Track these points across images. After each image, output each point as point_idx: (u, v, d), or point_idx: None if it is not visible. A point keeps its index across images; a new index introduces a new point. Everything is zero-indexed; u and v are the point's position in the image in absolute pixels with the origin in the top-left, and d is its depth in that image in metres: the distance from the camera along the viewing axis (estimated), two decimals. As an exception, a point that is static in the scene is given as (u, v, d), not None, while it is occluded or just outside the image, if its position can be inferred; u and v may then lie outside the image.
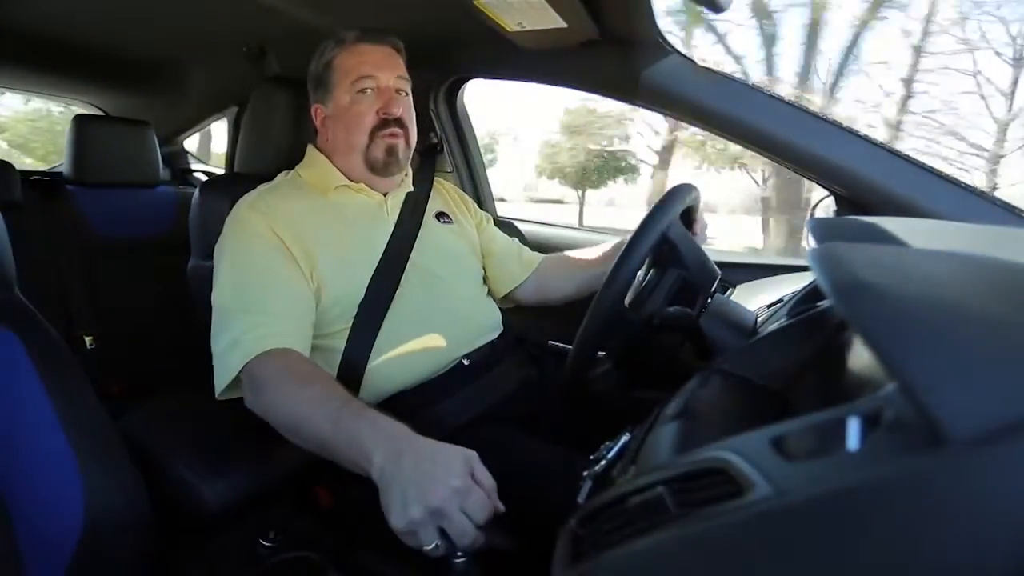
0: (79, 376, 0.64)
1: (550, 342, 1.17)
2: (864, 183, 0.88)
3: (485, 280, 1.05)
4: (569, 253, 1.10)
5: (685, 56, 0.97)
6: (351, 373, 0.81)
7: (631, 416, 0.59)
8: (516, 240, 1.14)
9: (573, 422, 0.84)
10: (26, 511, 0.56)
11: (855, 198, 0.90)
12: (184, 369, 0.75)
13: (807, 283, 0.68)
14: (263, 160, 1.02)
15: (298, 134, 1.01)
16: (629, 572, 0.27)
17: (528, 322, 1.14)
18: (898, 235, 0.44)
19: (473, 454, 0.57)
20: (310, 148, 0.96)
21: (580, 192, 12.92)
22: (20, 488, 0.57)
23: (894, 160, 0.87)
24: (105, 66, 1.67)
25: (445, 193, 1.09)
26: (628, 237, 0.69)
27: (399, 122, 0.90)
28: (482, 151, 1.51)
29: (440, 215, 1.02)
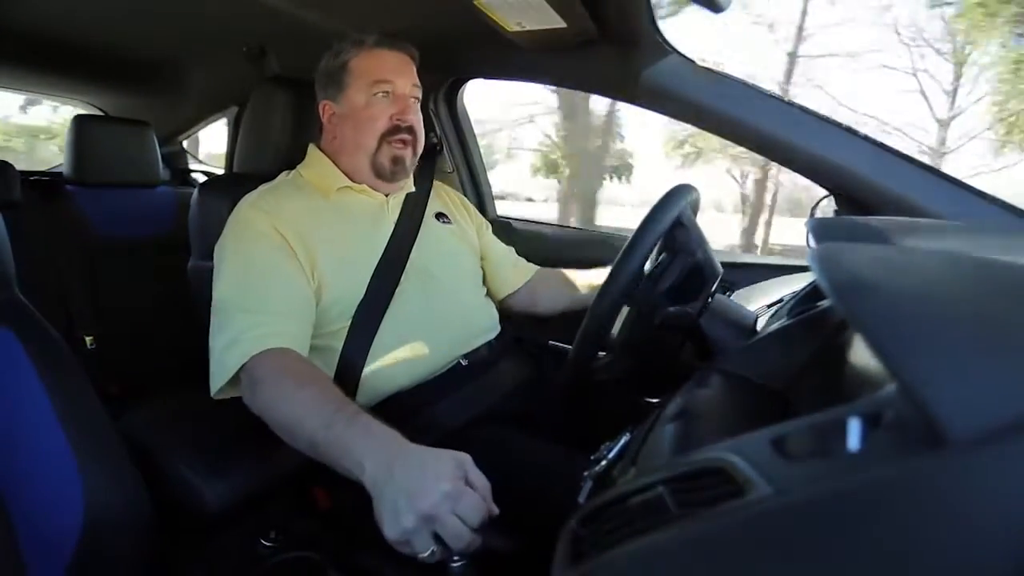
0: (79, 376, 0.64)
1: (550, 342, 1.17)
2: (864, 183, 0.88)
3: (484, 281, 1.06)
4: (565, 271, 1.10)
5: (685, 56, 0.97)
6: (349, 373, 0.81)
7: (631, 416, 0.59)
8: (512, 250, 1.14)
9: (573, 422, 0.84)
10: (26, 511, 0.56)
11: (855, 198, 0.90)
12: (184, 369, 0.75)
13: (807, 283, 0.68)
14: (263, 160, 1.02)
15: (298, 134, 1.01)
16: (629, 572, 0.27)
17: (527, 322, 1.14)
18: (898, 235, 0.44)
19: (466, 457, 0.57)
20: (312, 148, 0.96)
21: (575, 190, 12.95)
22: (20, 488, 0.57)
23: (894, 160, 0.87)
24: (105, 66, 1.67)
25: (445, 195, 1.09)
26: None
27: (410, 130, 0.90)
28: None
29: (440, 215, 1.02)
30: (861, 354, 0.38)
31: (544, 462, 0.76)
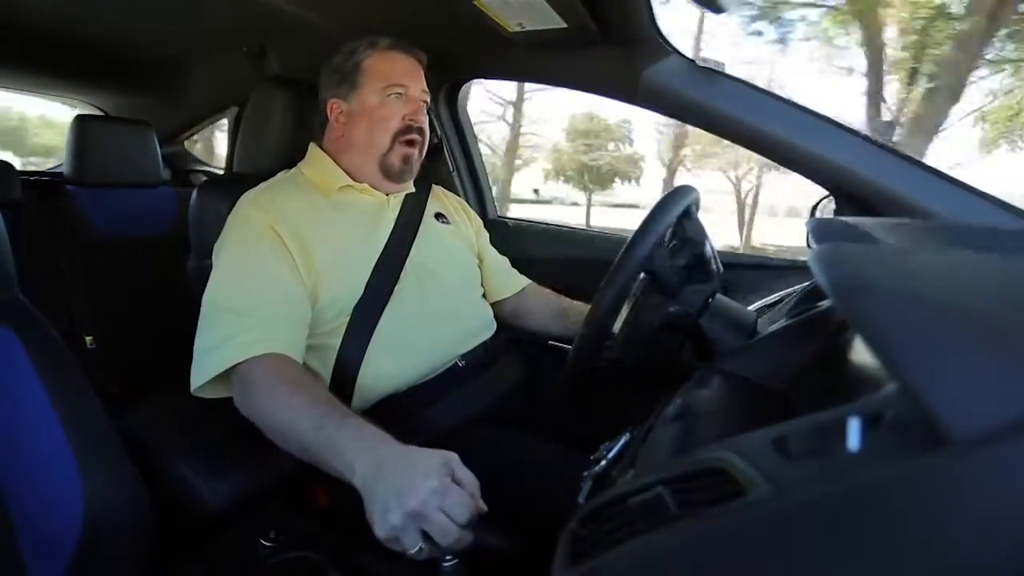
0: (79, 376, 0.64)
1: (549, 342, 1.17)
2: (864, 183, 0.88)
3: (481, 282, 1.06)
4: (559, 298, 1.10)
5: (685, 56, 0.97)
6: (346, 371, 0.81)
7: (631, 416, 0.59)
8: (507, 260, 1.14)
9: (573, 422, 0.84)
10: (26, 511, 0.56)
11: (855, 198, 0.90)
12: (184, 369, 0.75)
13: (807, 283, 0.68)
14: (262, 160, 1.02)
15: (298, 134, 1.01)
16: (629, 572, 0.27)
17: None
18: (898, 235, 0.44)
19: (453, 455, 0.57)
20: (313, 147, 0.96)
21: (587, 194, 13.12)
22: (20, 488, 0.57)
23: (894, 160, 0.87)
24: (105, 66, 1.67)
25: (444, 198, 1.10)
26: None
27: (420, 131, 0.92)
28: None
29: (439, 216, 1.02)
30: (861, 354, 0.38)
31: (543, 462, 0.76)
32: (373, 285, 0.84)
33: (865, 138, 0.89)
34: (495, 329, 0.99)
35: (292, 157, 0.98)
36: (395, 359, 0.83)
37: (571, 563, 0.30)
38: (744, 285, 1.04)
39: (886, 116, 7.54)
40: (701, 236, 0.70)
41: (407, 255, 0.89)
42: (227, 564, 0.79)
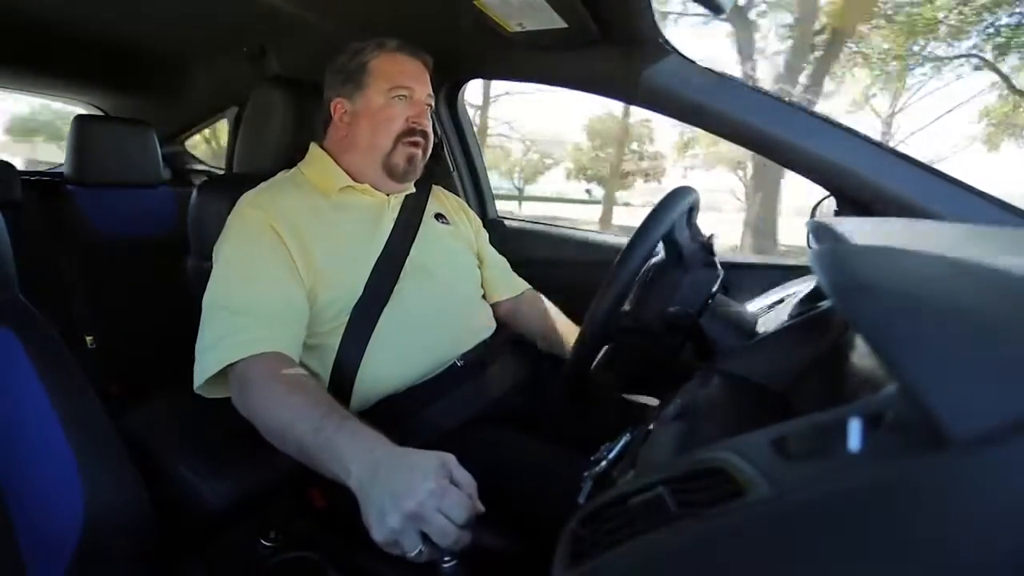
0: (79, 376, 0.64)
1: None
2: (864, 183, 0.87)
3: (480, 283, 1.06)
4: (546, 314, 1.08)
5: (686, 57, 0.97)
6: (345, 371, 0.81)
7: (631, 416, 0.59)
8: (506, 262, 1.14)
9: (573, 422, 0.84)
10: (26, 511, 0.56)
11: (855, 198, 0.90)
12: (184, 369, 0.75)
13: (808, 283, 0.68)
14: (262, 160, 1.02)
15: (298, 134, 1.01)
16: (629, 572, 0.27)
17: None
18: (898, 235, 0.44)
19: (450, 457, 0.57)
20: (313, 146, 0.96)
21: (607, 192, 13.18)
22: (20, 488, 0.57)
23: (894, 160, 0.87)
24: (105, 66, 1.67)
25: (443, 198, 1.09)
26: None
27: (424, 133, 0.92)
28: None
29: (439, 216, 1.02)
30: (862, 355, 0.38)
31: (543, 462, 0.76)
32: (372, 285, 0.84)
33: (865, 138, 0.89)
34: (494, 329, 0.99)
35: (292, 157, 0.98)
36: (394, 359, 0.83)
37: (571, 563, 0.30)
38: (744, 285, 1.04)
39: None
40: (695, 245, 0.70)
41: (407, 255, 0.89)
42: (227, 564, 0.79)
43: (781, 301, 0.74)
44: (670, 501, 0.29)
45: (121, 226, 1.52)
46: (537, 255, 1.32)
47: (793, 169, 0.95)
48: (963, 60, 8.69)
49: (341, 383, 0.81)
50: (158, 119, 1.75)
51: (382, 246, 0.88)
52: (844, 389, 0.39)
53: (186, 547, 0.80)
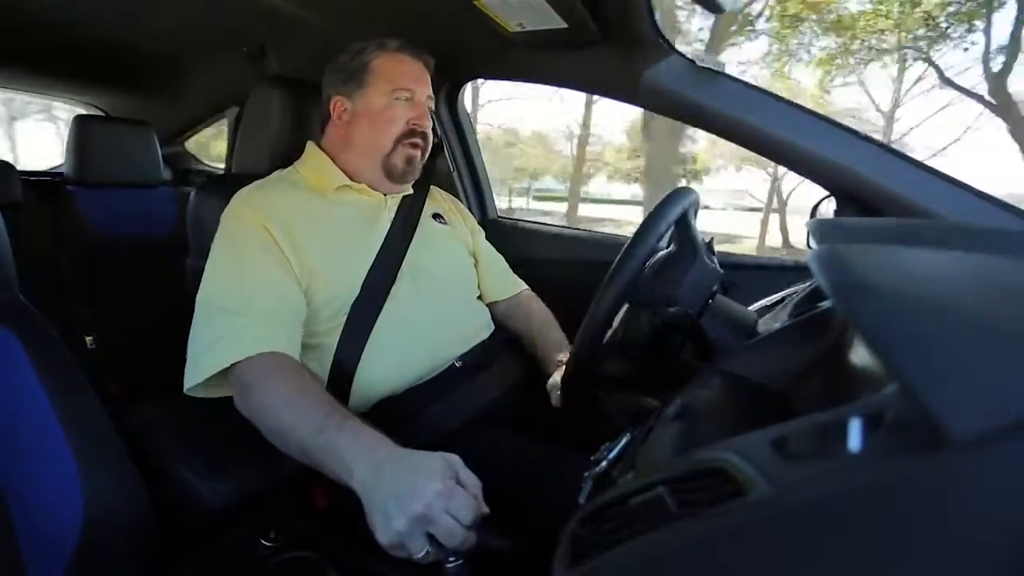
0: (79, 376, 0.63)
1: None
2: (864, 183, 0.87)
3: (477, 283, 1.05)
4: (534, 322, 1.06)
5: (686, 57, 0.97)
6: (343, 371, 0.81)
7: (631, 416, 0.59)
8: (503, 260, 1.13)
9: (573, 422, 0.84)
10: (26, 511, 0.56)
11: (855, 198, 0.90)
12: (184, 369, 0.75)
13: (808, 283, 0.68)
14: (262, 160, 1.02)
15: (297, 134, 1.01)
16: (629, 572, 0.27)
17: None
18: (898, 235, 0.44)
19: (455, 458, 0.57)
20: (310, 145, 0.96)
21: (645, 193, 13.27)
22: (20, 488, 0.56)
23: (894, 160, 0.87)
24: (105, 66, 1.67)
25: (440, 198, 1.09)
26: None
27: (424, 135, 0.92)
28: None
29: (436, 216, 1.02)
30: (862, 354, 0.38)
31: (543, 463, 0.76)
32: (369, 285, 0.84)
33: (865, 138, 0.89)
34: (492, 330, 0.99)
35: (291, 157, 0.98)
36: (392, 360, 0.83)
37: (571, 563, 0.30)
38: (744, 285, 1.04)
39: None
40: (694, 246, 0.70)
41: (403, 256, 0.89)
42: (227, 564, 0.79)
43: (781, 301, 0.74)
44: (670, 501, 0.29)
45: (121, 226, 1.52)
46: (537, 254, 1.32)
47: (793, 169, 0.95)
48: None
49: (339, 383, 0.81)
50: (158, 119, 1.75)
51: (379, 246, 0.88)
52: (844, 389, 0.39)
53: (186, 547, 0.80)
